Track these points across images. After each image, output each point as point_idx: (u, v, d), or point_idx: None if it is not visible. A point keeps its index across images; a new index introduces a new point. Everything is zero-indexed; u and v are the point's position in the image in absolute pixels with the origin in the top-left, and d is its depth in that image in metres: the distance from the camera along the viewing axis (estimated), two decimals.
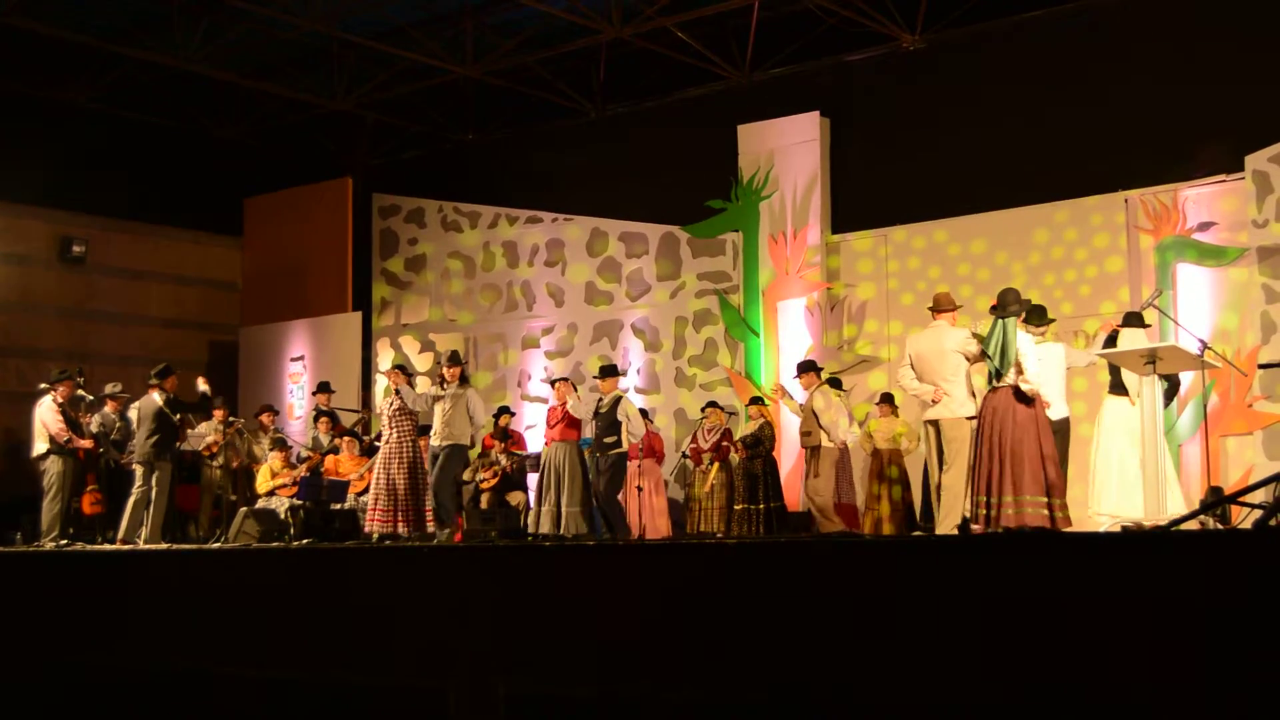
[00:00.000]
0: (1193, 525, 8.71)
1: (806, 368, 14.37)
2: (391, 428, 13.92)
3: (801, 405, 14.04)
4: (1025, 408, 10.06)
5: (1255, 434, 13.94)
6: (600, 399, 14.39)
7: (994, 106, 15.84)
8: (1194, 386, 13.47)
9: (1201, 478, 12.53)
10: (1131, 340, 11.36)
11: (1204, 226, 14.52)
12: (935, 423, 10.74)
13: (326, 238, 21.29)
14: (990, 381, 10.18)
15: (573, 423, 14.56)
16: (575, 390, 15.14)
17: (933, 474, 10.90)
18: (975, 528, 10.25)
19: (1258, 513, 7.91)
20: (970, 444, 10.92)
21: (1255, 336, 14.00)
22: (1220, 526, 10.32)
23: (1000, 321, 10.18)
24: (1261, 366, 13.43)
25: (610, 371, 14.75)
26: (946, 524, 10.59)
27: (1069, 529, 9.98)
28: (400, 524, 13.76)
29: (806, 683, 6.54)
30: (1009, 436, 10.00)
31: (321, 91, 19.33)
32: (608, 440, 14.17)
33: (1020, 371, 10.03)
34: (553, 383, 15.29)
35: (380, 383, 19.09)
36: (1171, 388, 11.82)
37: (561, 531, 14.27)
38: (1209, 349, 11.35)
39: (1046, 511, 9.89)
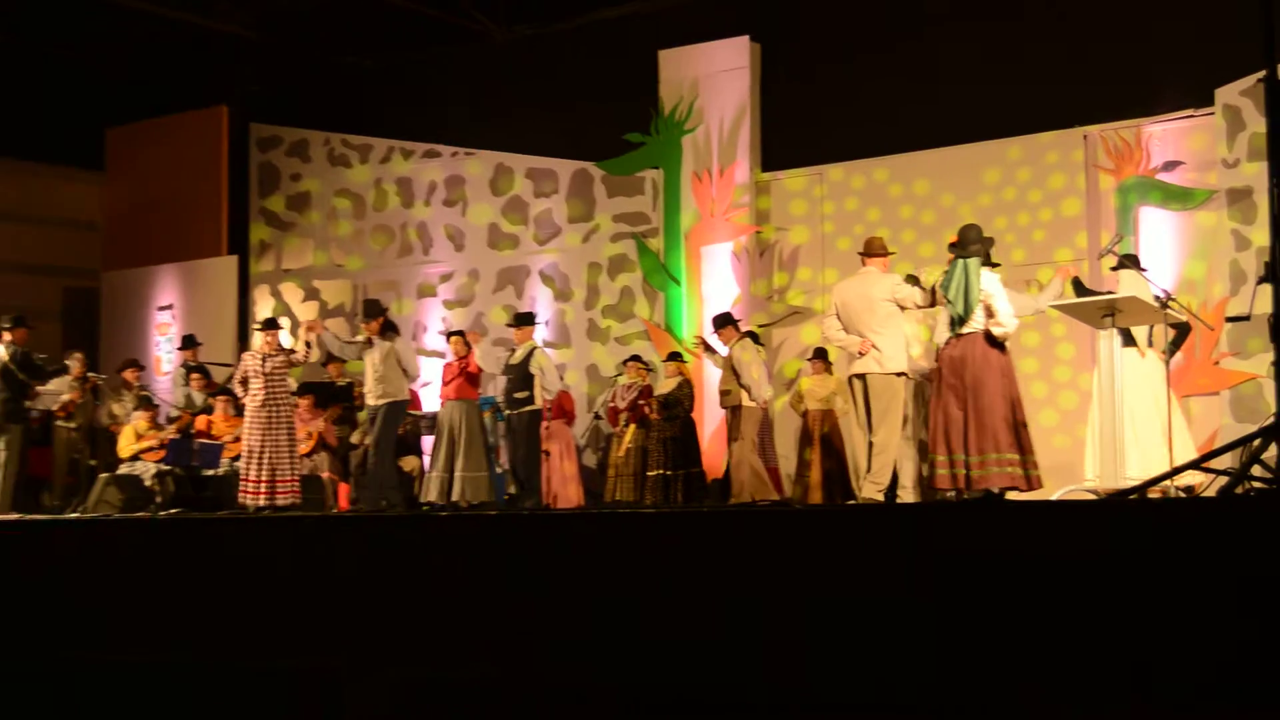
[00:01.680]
0: (1154, 492, 8.79)
1: (724, 321, 14.36)
2: (265, 387, 13.75)
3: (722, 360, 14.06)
4: (997, 356, 10.09)
5: (1222, 394, 14.04)
6: (512, 349, 14.33)
7: (942, 33, 15.78)
8: (1155, 342, 13.55)
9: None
10: (1132, 285, 11.36)
11: (1170, 166, 14.60)
12: (863, 378, 10.79)
13: (199, 173, 21.04)
14: (952, 328, 10.18)
15: (471, 379, 14.48)
16: (482, 339, 15.10)
17: (860, 434, 10.95)
18: (941, 489, 10.31)
19: (1227, 479, 7.98)
20: (907, 400, 10.98)
21: (1224, 287, 14.06)
22: (1183, 494, 10.44)
23: (961, 262, 10.15)
24: (1230, 320, 13.47)
25: (526, 320, 14.70)
26: (873, 488, 10.64)
27: (1039, 490, 10.08)
28: (281, 494, 13.68)
29: (736, 669, 6.53)
30: (979, 389, 10.02)
31: (195, 9, 19.01)
32: (519, 396, 14.09)
33: (991, 314, 10.05)
34: (449, 335, 15.22)
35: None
36: (1181, 335, 11.88)
37: (455, 499, 14.20)
38: (1173, 301, 11.43)
39: (1021, 471, 9.99)
